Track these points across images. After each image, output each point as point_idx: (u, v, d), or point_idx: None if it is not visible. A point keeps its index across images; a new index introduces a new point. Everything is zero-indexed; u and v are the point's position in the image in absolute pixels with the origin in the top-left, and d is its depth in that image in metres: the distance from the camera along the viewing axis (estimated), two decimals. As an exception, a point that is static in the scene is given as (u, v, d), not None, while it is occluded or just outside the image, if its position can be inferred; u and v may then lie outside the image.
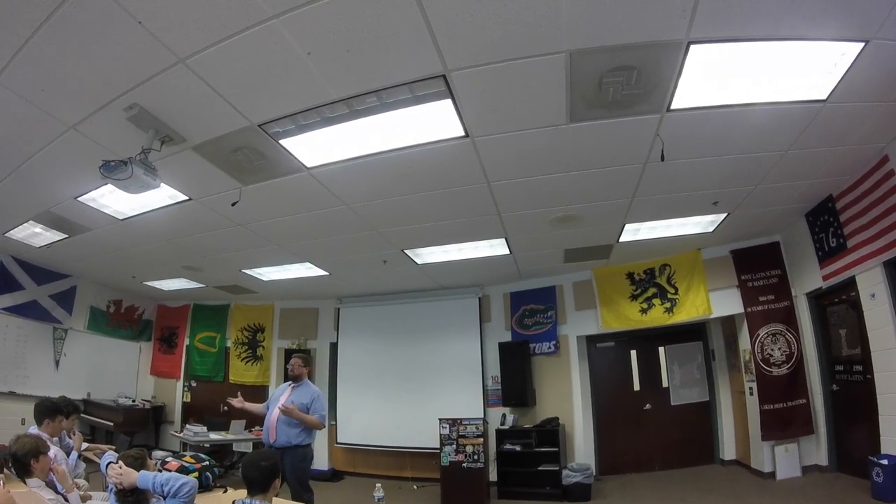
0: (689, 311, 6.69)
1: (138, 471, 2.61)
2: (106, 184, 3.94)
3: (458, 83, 3.13)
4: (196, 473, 3.55)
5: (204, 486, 3.56)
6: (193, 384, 9.64)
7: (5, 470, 3.01)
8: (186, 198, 4.80)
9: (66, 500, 3.17)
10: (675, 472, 6.95)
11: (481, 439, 6.55)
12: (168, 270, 7.57)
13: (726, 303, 6.52)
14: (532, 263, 7.10)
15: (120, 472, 2.58)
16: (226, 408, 7.30)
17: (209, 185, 4.52)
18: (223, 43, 2.76)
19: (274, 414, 4.77)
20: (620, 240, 6.12)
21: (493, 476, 6.92)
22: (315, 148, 3.88)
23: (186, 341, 9.79)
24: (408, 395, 8.05)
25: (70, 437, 4.37)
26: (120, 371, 9.16)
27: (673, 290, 6.83)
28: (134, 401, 8.71)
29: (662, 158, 3.90)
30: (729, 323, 6.98)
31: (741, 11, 2.63)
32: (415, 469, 7.75)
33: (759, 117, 3.61)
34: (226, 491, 3.70)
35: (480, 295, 8.12)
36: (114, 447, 4.53)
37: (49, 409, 3.97)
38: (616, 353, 7.82)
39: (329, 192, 4.61)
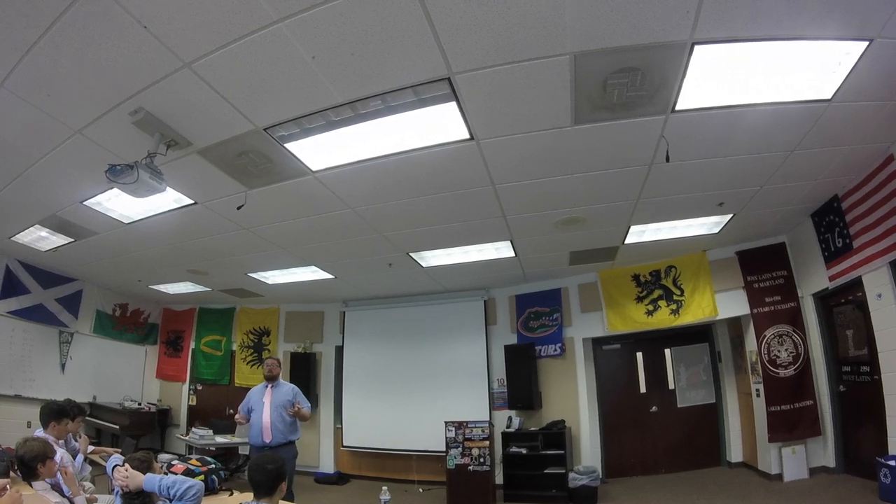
0: (695, 312, 6.67)
1: (144, 473, 2.62)
2: (112, 188, 3.98)
3: (462, 86, 3.13)
4: (202, 476, 3.54)
5: (210, 489, 3.56)
6: (199, 387, 9.66)
7: (11, 472, 3.03)
8: (192, 201, 4.82)
9: (72, 503, 3.17)
10: (681, 475, 6.91)
11: (487, 442, 6.55)
12: (173, 274, 7.59)
13: (732, 304, 6.49)
14: (537, 266, 7.08)
15: (126, 475, 2.60)
16: (231, 411, 7.33)
17: (215, 188, 4.54)
18: (228, 47, 2.77)
19: (266, 415, 4.83)
20: (626, 241, 6.11)
21: (499, 479, 6.92)
22: (320, 151, 3.89)
23: (192, 344, 9.81)
24: (413, 397, 8.03)
25: (76, 440, 4.38)
26: (126, 374, 9.20)
27: (679, 292, 6.81)
28: (140, 404, 8.73)
29: (668, 160, 3.90)
30: (735, 324, 6.94)
31: (745, 11, 2.62)
32: (421, 472, 7.75)
33: (764, 117, 3.59)
34: (231, 494, 3.69)
35: (486, 298, 8.10)
36: (120, 450, 4.54)
37: (55, 412, 3.97)
38: (622, 356, 7.79)
39: (334, 195, 4.62)
